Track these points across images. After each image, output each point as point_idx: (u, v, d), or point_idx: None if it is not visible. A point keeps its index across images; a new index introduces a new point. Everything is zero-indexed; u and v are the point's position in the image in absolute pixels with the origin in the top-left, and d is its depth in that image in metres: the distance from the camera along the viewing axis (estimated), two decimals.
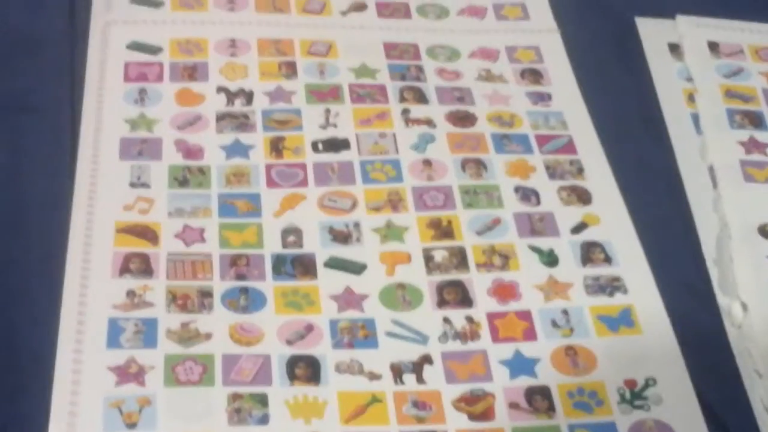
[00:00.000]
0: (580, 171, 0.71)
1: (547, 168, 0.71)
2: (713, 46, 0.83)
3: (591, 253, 0.66)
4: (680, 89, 0.79)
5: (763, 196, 0.72)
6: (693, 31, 0.84)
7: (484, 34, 0.82)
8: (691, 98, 0.78)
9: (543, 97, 0.77)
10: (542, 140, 0.74)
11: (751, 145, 0.75)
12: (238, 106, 0.72)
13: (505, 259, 0.65)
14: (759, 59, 0.83)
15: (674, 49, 0.83)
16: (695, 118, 0.77)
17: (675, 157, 0.74)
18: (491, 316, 0.62)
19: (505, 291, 0.63)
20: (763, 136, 0.76)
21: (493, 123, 0.74)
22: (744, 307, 0.64)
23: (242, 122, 0.71)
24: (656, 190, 0.72)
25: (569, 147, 0.73)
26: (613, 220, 0.68)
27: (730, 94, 0.79)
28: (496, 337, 0.61)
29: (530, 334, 0.61)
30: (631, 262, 0.66)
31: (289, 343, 0.59)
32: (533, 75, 0.79)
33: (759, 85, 0.81)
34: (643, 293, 0.64)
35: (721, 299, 0.65)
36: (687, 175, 0.73)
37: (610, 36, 0.84)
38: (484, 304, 0.62)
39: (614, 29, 0.84)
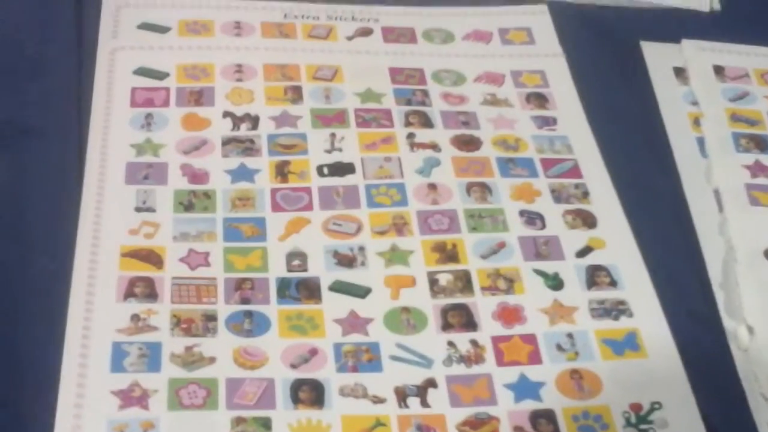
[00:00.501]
0: (586, 195, 0.71)
1: (552, 192, 0.71)
2: (718, 70, 0.83)
3: (596, 276, 0.66)
4: (685, 113, 0.80)
5: (765, 220, 0.72)
6: (698, 55, 0.84)
7: (490, 59, 0.82)
8: (696, 122, 0.79)
9: (548, 122, 0.77)
10: (547, 164, 0.74)
11: (757, 169, 0.75)
12: (244, 130, 0.73)
13: (510, 282, 0.65)
14: (765, 83, 0.83)
15: (679, 73, 0.83)
16: (701, 142, 0.77)
17: (680, 181, 0.74)
18: (496, 340, 0.62)
19: (510, 315, 0.63)
20: None
21: (498, 147, 0.74)
22: (750, 330, 0.64)
23: (248, 147, 0.71)
24: (661, 213, 0.72)
25: (574, 171, 0.73)
26: (618, 244, 0.68)
27: (735, 117, 0.79)
28: (500, 361, 0.61)
29: (535, 358, 0.61)
30: (637, 285, 0.66)
31: (294, 366, 0.59)
32: (538, 99, 0.79)
33: (765, 109, 0.81)
34: (649, 317, 0.64)
35: (727, 323, 0.65)
36: (692, 199, 0.73)
37: (615, 60, 0.84)
38: (488, 328, 0.62)
39: (619, 53, 0.84)
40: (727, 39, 0.86)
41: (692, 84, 0.82)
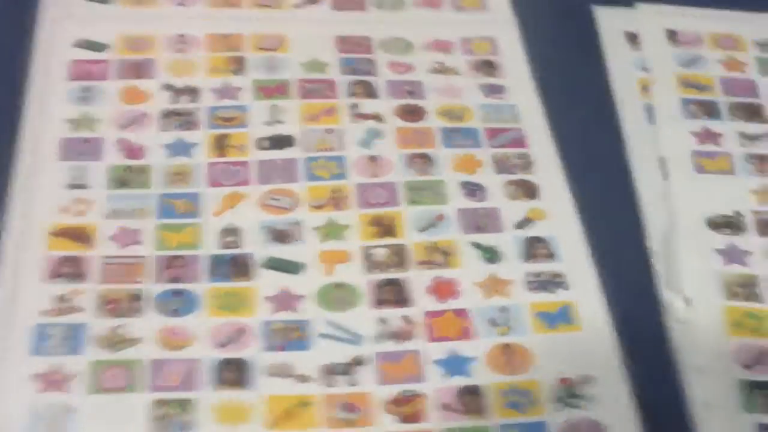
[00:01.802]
0: (529, 165, 0.71)
1: (495, 162, 0.70)
2: (672, 35, 0.82)
3: (534, 248, 0.66)
4: (635, 79, 0.79)
5: (714, 187, 0.71)
6: (651, 19, 0.83)
7: (440, 26, 0.81)
8: (646, 88, 0.77)
9: (496, 90, 0.76)
10: (492, 134, 0.73)
11: (704, 136, 0.74)
12: (184, 103, 0.72)
13: (446, 256, 0.64)
14: (717, 47, 0.82)
15: (632, 38, 0.82)
16: (649, 109, 0.76)
17: (627, 149, 0.73)
18: (428, 315, 0.61)
19: (444, 289, 0.63)
20: (717, 126, 0.75)
21: (442, 117, 0.73)
22: (687, 301, 0.63)
23: (186, 120, 0.71)
24: (606, 183, 0.71)
25: (519, 140, 0.73)
26: (559, 215, 0.68)
27: (685, 83, 0.78)
28: (431, 337, 0.60)
29: (467, 333, 0.61)
30: (575, 257, 0.65)
31: (221, 346, 0.58)
32: (487, 67, 0.78)
33: (716, 74, 0.80)
34: (585, 289, 0.63)
35: (665, 294, 0.64)
36: (638, 168, 0.72)
37: (567, 26, 0.83)
38: (422, 303, 0.62)
39: (572, 19, 0.83)
40: (683, 2, 0.85)
41: (644, 49, 0.80)
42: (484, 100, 0.76)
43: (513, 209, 0.68)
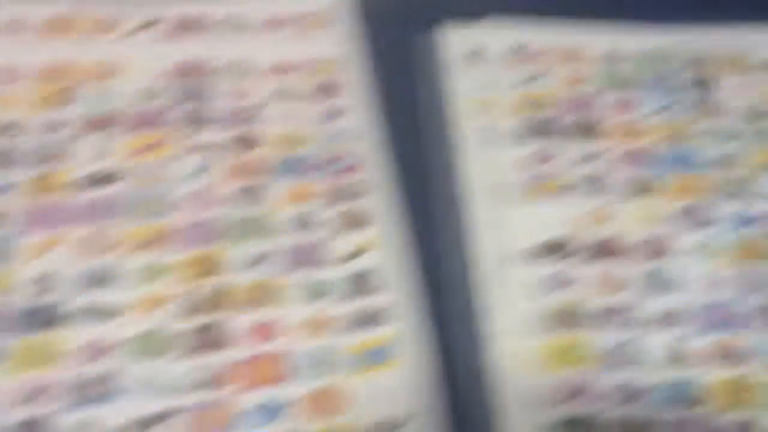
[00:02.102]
0: (363, 193, 0.69)
1: (329, 192, 0.69)
2: (517, 50, 0.81)
3: (362, 282, 0.64)
4: (476, 100, 0.77)
5: (545, 212, 0.71)
6: (497, 34, 0.82)
7: (282, 48, 0.79)
8: (485, 109, 0.76)
9: (336, 114, 0.75)
10: (328, 161, 0.72)
11: (540, 157, 0.73)
12: (5, 140, 0.69)
13: (269, 295, 0.63)
14: (564, 62, 0.81)
15: (477, 56, 0.80)
16: (487, 131, 0.75)
17: (462, 175, 0.72)
18: (245, 360, 0.60)
19: (265, 331, 0.62)
20: (554, 147, 0.74)
21: (278, 145, 0.72)
22: (506, 333, 0.63)
23: (4, 159, 0.68)
24: (440, 210, 0.70)
25: (355, 167, 0.71)
26: (389, 246, 0.67)
27: (525, 102, 0.77)
28: (247, 383, 0.59)
29: (285, 377, 0.59)
30: (403, 290, 0.64)
31: (22, 403, 0.56)
32: (329, 90, 0.77)
33: (557, 92, 0.79)
34: (410, 324, 0.63)
35: (486, 327, 0.63)
36: (472, 193, 0.71)
37: (411, 45, 0.81)
38: (240, 347, 0.60)
39: (417, 38, 0.82)
40: (536, 15, 0.84)
41: (486, 67, 0.79)
42: (323, 125, 0.74)
43: (343, 241, 0.67)
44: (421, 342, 0.62)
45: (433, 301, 0.65)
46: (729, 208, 0.71)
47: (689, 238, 0.69)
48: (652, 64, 0.81)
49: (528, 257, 0.67)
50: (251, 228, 0.67)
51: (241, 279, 0.64)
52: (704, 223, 0.70)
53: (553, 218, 0.70)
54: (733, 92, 0.80)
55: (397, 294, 0.64)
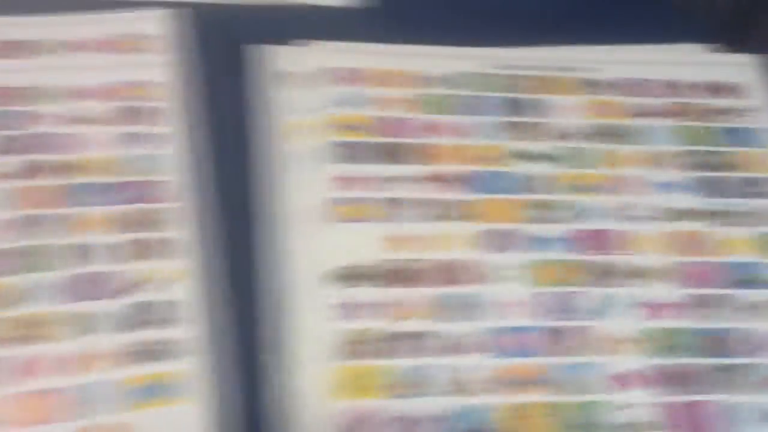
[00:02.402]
0: (160, 221, 0.68)
1: (122, 220, 0.67)
2: (331, 72, 0.80)
3: (145, 314, 0.62)
4: (286, 122, 0.76)
5: (345, 237, 0.70)
6: (313, 56, 0.81)
7: (88, 71, 0.77)
8: (296, 132, 0.75)
9: (140, 139, 0.73)
10: (126, 188, 0.69)
11: (346, 181, 0.73)
12: None
13: (39, 331, 0.61)
14: (378, 84, 0.80)
15: (288, 77, 0.79)
16: (295, 154, 0.74)
17: (266, 200, 0.70)
18: (9, 399, 0.57)
19: (29, 368, 0.59)
20: (362, 170, 0.73)
21: (73, 172, 0.69)
22: (295, 365, 0.61)
23: None
24: (240, 238, 0.68)
25: (155, 194, 0.69)
26: (182, 276, 0.65)
27: (337, 125, 0.76)
28: (13, 423, 0.56)
29: (53, 417, 0.57)
30: (191, 322, 0.63)
31: None
32: (135, 115, 0.75)
33: (370, 114, 0.78)
34: (196, 358, 0.61)
35: (276, 358, 0.62)
36: (274, 219, 0.70)
37: (224, 67, 0.80)
38: (6, 386, 0.58)
39: (230, 60, 0.80)
40: (361, 37, 0.83)
41: (297, 89, 0.78)
42: (125, 150, 0.73)
43: (130, 271, 0.65)
44: (220, 376, 0.60)
45: (243, 331, 0.63)
46: (530, 231, 0.71)
47: (487, 263, 0.68)
48: (467, 86, 0.80)
49: (328, 282, 0.67)
50: (35, 259, 0.65)
51: (8, 314, 0.61)
52: (502, 247, 0.70)
53: (351, 244, 0.69)
54: (549, 113, 0.79)
55: (187, 326, 0.62)
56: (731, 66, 0.84)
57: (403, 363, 0.63)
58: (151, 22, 0.83)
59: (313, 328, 0.64)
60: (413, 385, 0.62)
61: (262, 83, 0.79)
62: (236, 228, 0.70)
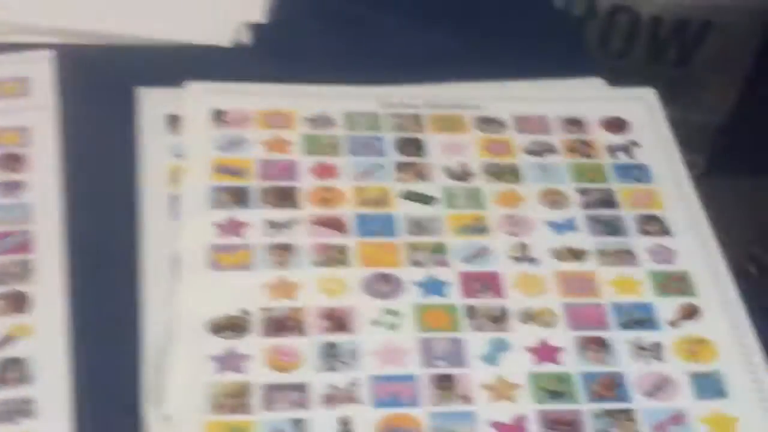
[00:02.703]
0: (28, 273, 0.65)
1: None
2: (218, 115, 0.78)
3: (6, 371, 0.60)
4: (168, 167, 0.74)
5: (225, 285, 0.68)
6: (198, 98, 0.79)
7: None
8: (177, 177, 0.73)
9: (15, 187, 0.70)
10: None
11: (229, 227, 0.71)
12: None
13: None
14: (265, 126, 0.78)
15: (175, 121, 0.77)
16: (176, 200, 0.71)
17: (143, 249, 0.68)
18: None
19: None
20: (245, 215, 0.71)
21: None
22: (168, 419, 0.58)
23: None
24: (112, 289, 0.66)
25: (24, 245, 0.67)
26: (47, 331, 0.62)
27: (221, 169, 0.74)
28: None
29: None
30: (54, 379, 0.60)
31: None
32: (11, 161, 0.72)
33: (256, 156, 0.76)
34: (56, 416, 0.58)
35: (148, 412, 0.59)
36: (149, 268, 0.67)
37: (112, 109, 0.78)
38: None
39: (118, 101, 0.78)
40: (249, 76, 0.81)
41: (183, 133, 0.76)
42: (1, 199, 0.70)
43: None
44: None
45: (89, 390, 0.60)
46: (415, 276, 0.69)
47: (372, 309, 0.67)
48: (355, 126, 0.79)
49: (196, 335, 0.64)
50: None
51: None
52: (389, 292, 0.68)
53: (232, 292, 0.67)
54: (441, 152, 0.78)
55: (49, 384, 0.60)
56: (626, 101, 0.84)
57: (282, 416, 0.61)
58: (35, 65, 0.81)
59: (190, 380, 0.61)
60: None
61: (146, 126, 0.77)
62: (112, 277, 0.67)
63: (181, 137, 0.76)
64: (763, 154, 1.49)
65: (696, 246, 0.73)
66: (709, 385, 0.65)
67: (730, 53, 1.46)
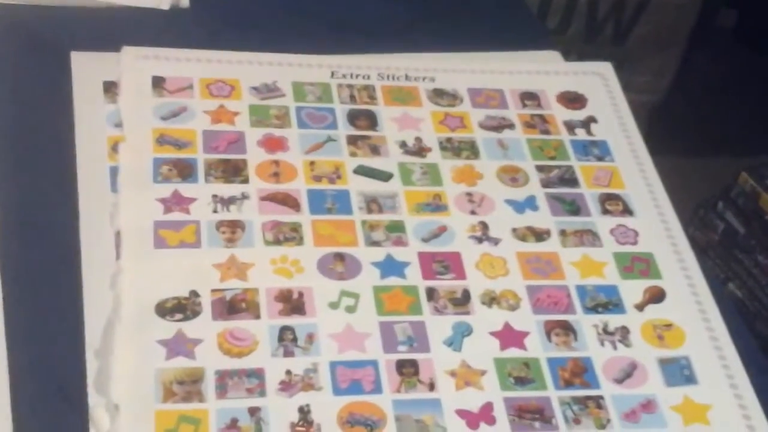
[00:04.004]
0: None
1: None
2: (158, 82, 0.73)
3: None
4: (105, 138, 0.68)
5: (173, 264, 0.62)
6: (135, 65, 0.74)
7: None
8: (115, 148, 0.67)
9: None
10: None
11: (174, 202, 0.65)
12: None
13: None
14: (208, 95, 0.73)
15: (111, 87, 0.71)
16: (116, 173, 0.66)
17: (80, 224, 0.63)
18: None
19: None
20: (191, 190, 0.66)
21: None
22: (114, 408, 0.54)
23: None
24: (49, 269, 0.61)
25: None
26: None
27: (163, 140, 0.69)
28: None
29: None
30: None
31: None
32: None
33: (200, 127, 0.71)
34: None
35: (92, 401, 0.54)
36: (88, 246, 0.62)
37: (43, 75, 0.72)
38: None
39: (49, 66, 0.73)
40: (190, 42, 0.75)
41: (120, 101, 0.70)
42: None
43: None
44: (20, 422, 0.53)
45: (55, 371, 0.55)
46: (372, 256, 0.65)
47: (326, 290, 0.62)
48: (308, 97, 0.74)
49: (142, 319, 0.59)
50: None
51: None
52: (344, 274, 0.64)
53: (179, 272, 0.62)
54: (395, 126, 0.74)
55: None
56: (583, 75, 0.81)
57: (237, 404, 0.57)
58: None
59: (137, 366, 0.57)
60: (249, 426, 0.56)
61: (82, 93, 0.72)
62: (50, 258, 0.62)
63: (119, 105, 0.71)
64: (698, 134, 1.48)
65: (659, 226, 0.71)
66: (678, 371, 0.62)
67: (666, 33, 1.45)
